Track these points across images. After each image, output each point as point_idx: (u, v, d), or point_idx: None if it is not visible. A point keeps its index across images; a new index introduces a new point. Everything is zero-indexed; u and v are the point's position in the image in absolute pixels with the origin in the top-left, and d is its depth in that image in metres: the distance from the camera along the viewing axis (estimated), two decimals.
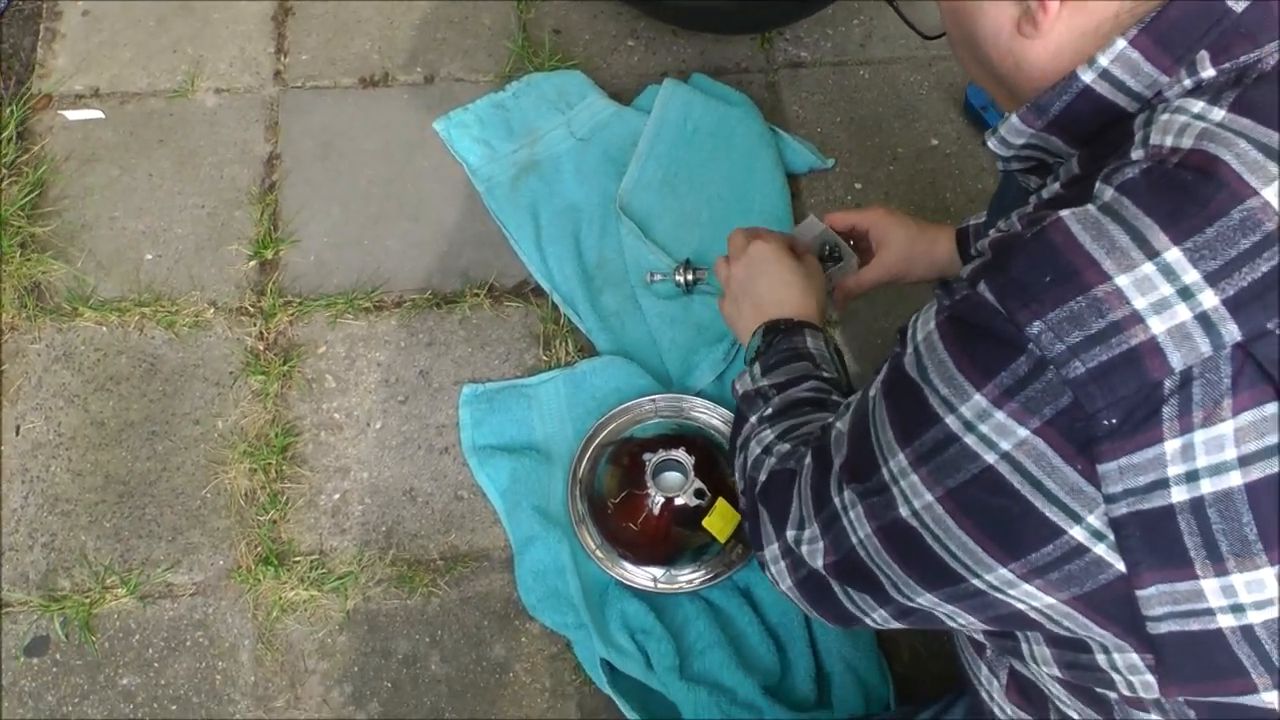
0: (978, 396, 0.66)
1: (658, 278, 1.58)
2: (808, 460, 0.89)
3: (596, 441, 1.46)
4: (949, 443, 0.69)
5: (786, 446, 0.96)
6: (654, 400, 1.48)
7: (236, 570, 1.39)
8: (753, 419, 1.04)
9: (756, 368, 1.10)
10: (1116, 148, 0.68)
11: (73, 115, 1.70)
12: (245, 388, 1.51)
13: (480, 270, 1.62)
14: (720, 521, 1.35)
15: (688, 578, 1.37)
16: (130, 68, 1.75)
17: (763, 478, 0.96)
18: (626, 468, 1.40)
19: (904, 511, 0.74)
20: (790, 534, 0.89)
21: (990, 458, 0.66)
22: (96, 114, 1.70)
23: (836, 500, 0.82)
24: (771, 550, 0.92)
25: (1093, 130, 0.72)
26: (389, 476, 1.47)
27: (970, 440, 0.67)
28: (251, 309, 1.56)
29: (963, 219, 1.31)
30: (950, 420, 0.68)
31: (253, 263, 1.60)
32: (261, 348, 1.54)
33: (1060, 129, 0.74)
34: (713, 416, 1.47)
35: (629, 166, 1.67)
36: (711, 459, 1.40)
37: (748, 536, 1.19)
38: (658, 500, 1.34)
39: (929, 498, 0.71)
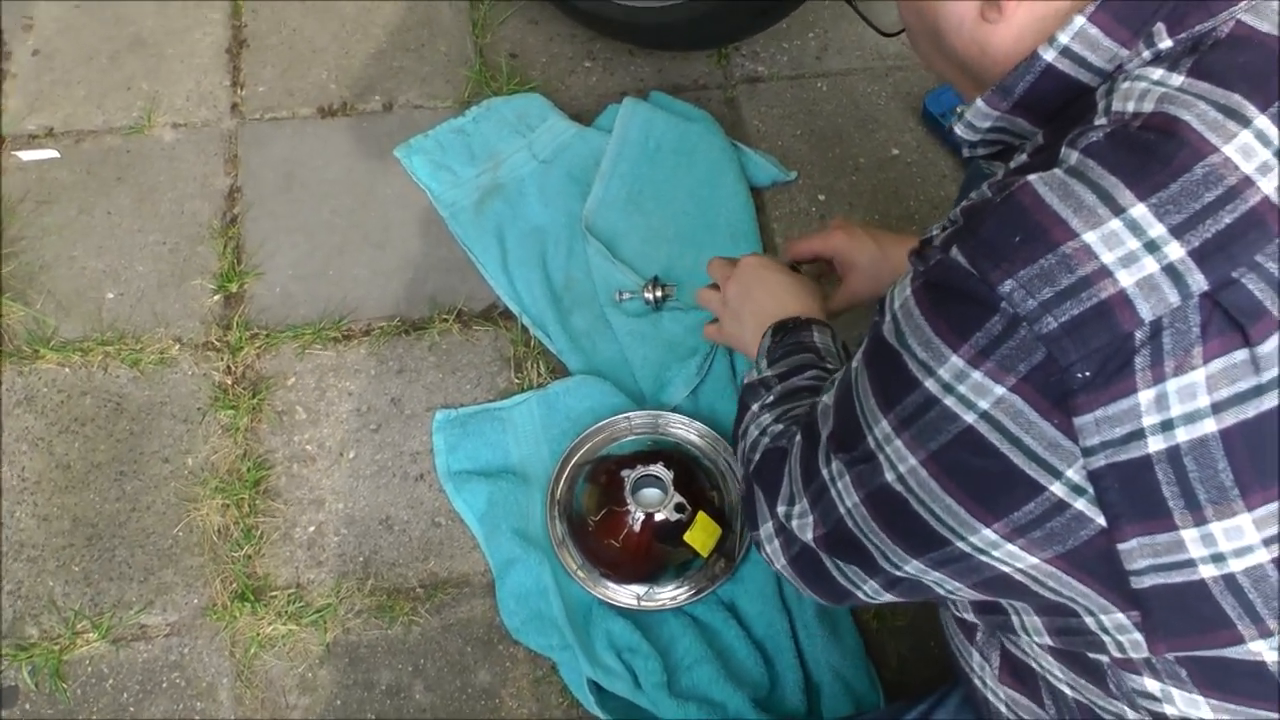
0: (954, 358, 0.67)
1: (626, 296, 1.58)
2: (798, 437, 0.90)
3: (573, 461, 1.45)
4: (929, 405, 0.70)
5: (780, 427, 0.98)
6: (629, 418, 1.48)
7: (211, 608, 1.37)
8: (754, 407, 1.06)
9: (763, 361, 1.12)
10: (1080, 119, 0.71)
11: (26, 156, 1.68)
12: (214, 423, 1.49)
13: (448, 295, 1.61)
14: (702, 535, 1.35)
15: (671, 594, 1.36)
16: (85, 106, 1.73)
17: (757, 457, 0.98)
18: (605, 485, 1.39)
19: (889, 477, 0.75)
20: (781, 509, 0.90)
21: (969, 417, 0.68)
22: (52, 154, 1.68)
23: (825, 472, 0.83)
24: (766, 529, 0.93)
25: (1056, 107, 0.74)
26: (364, 506, 1.45)
27: (949, 402, 0.69)
28: (218, 343, 1.54)
29: (926, 228, 1.32)
30: (929, 383, 0.69)
31: (217, 297, 1.58)
32: (229, 382, 1.52)
33: (1025, 109, 0.75)
34: (689, 431, 1.47)
35: (593, 186, 1.68)
36: (690, 473, 1.40)
37: (729, 549, 1.21)
38: (638, 516, 1.34)
39: (912, 461, 0.72)
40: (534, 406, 1.50)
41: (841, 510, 0.81)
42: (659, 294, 1.56)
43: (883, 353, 0.74)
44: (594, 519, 1.37)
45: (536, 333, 1.58)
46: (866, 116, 1.80)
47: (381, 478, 1.47)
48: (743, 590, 1.37)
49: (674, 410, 1.49)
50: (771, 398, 1.04)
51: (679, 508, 1.35)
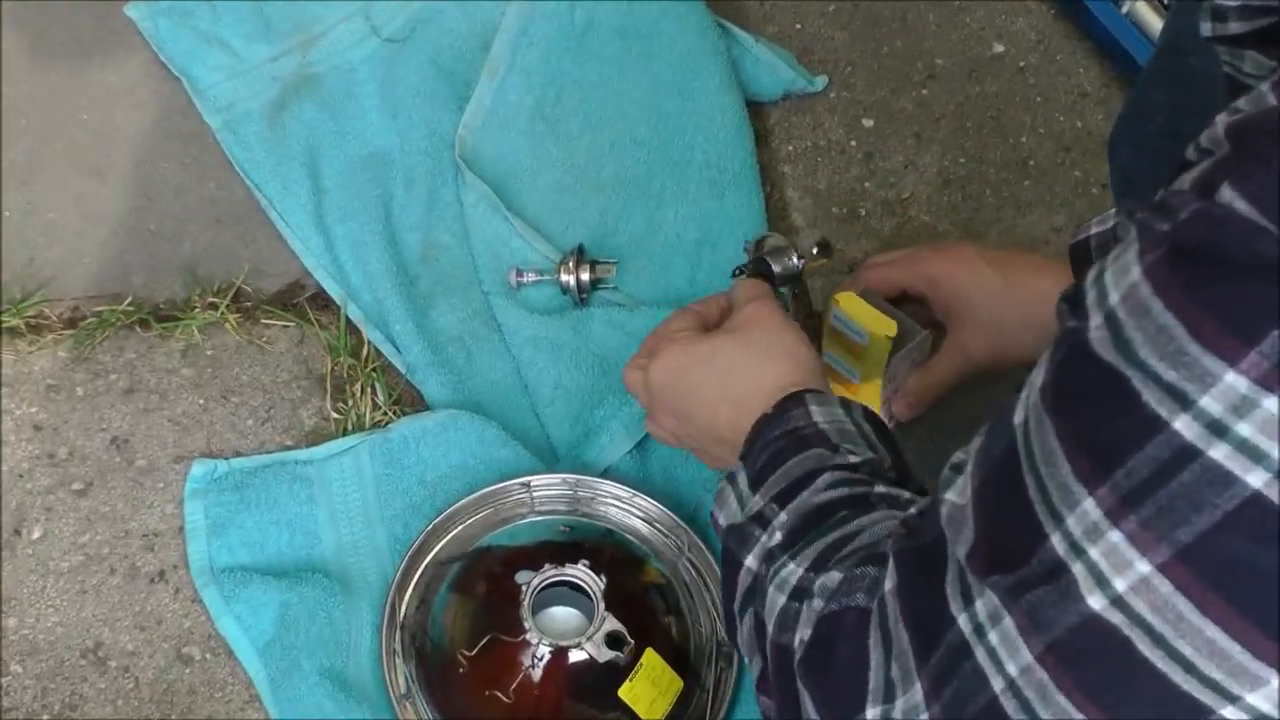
0: (1231, 376, 0.70)
1: (529, 278, 1.64)
2: (889, 580, 0.92)
3: (431, 556, 1.50)
4: (1181, 462, 0.72)
5: (838, 575, 1.00)
6: (528, 484, 1.54)
7: None
8: (751, 560, 1.09)
9: (742, 480, 1.16)
10: None
11: None
12: None
13: (218, 264, 1.66)
14: (648, 690, 1.40)
15: None
16: None
17: (806, 637, 0.99)
18: (486, 598, 1.44)
19: (1097, 604, 0.76)
20: (871, 717, 0.92)
21: (1256, 480, 0.70)
22: None
23: (963, 620, 0.84)
24: None
25: None
26: (59, 624, 1.48)
27: (1219, 454, 0.71)
28: None
29: (1080, 225, 1.38)
30: (1180, 424, 0.71)
31: None
32: None
33: None
34: (630, 511, 1.54)
35: (476, 87, 1.74)
36: (631, 583, 1.46)
37: (694, 717, 1.25)
38: (542, 653, 1.40)
39: (1145, 567, 0.74)
40: (364, 460, 1.56)
41: (997, 686, 0.83)
42: (585, 276, 1.62)
43: (1088, 380, 0.76)
44: (465, 655, 1.42)
45: (372, 333, 1.63)
46: None
47: (91, 575, 1.50)
48: None
49: (605, 474, 1.56)
50: (780, 536, 1.08)
51: (613, 640, 1.40)
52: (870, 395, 1.46)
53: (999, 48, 1.88)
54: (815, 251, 1.43)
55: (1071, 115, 1.84)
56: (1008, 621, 0.81)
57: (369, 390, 1.61)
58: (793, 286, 1.45)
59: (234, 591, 1.50)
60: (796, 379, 1.22)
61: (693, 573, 1.52)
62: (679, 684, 1.43)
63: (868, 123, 1.82)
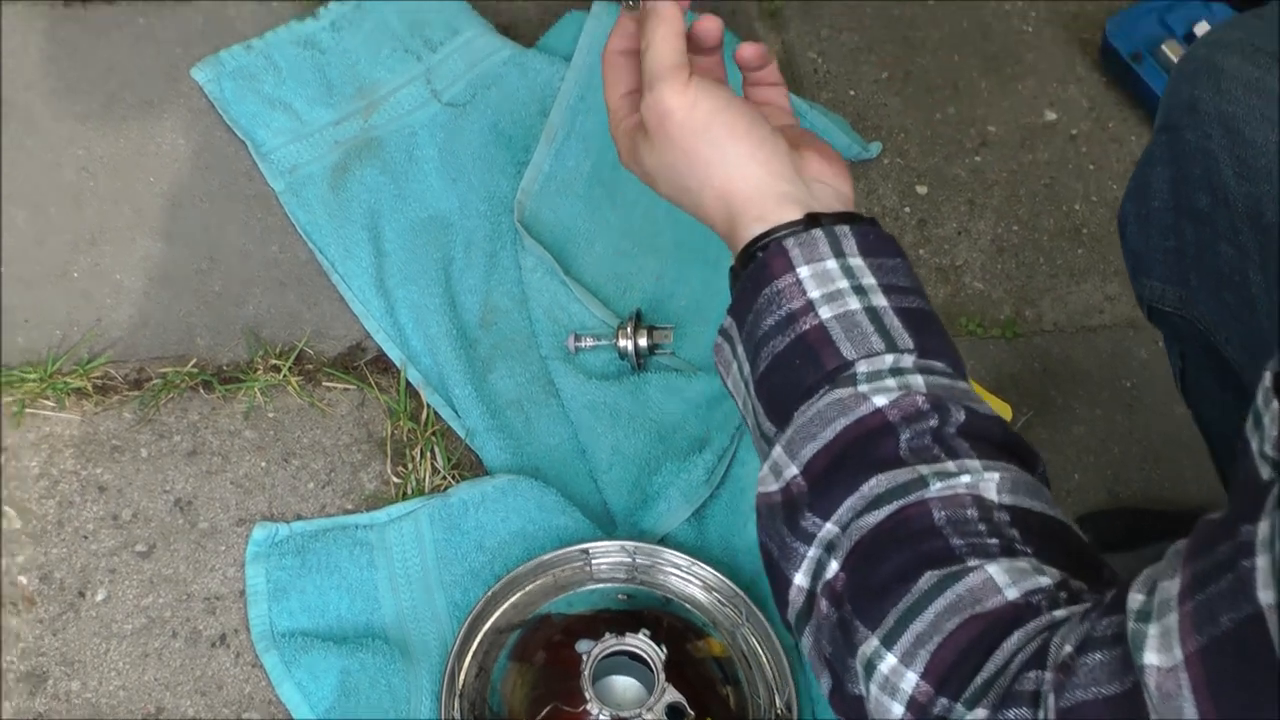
0: None
1: (587, 343, 1.64)
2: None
3: (489, 624, 1.50)
4: None
5: (982, 716, 0.85)
6: (587, 551, 1.53)
7: None
8: (800, 579, 0.98)
9: (740, 352, 1.03)
10: None
11: None
12: None
13: (281, 326, 1.66)
14: None
15: None
16: None
17: None
18: (546, 667, 1.43)
19: None
20: None
21: None
22: None
23: None
24: None
25: None
26: (121, 688, 1.48)
27: None
28: None
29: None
30: None
31: None
32: None
33: None
34: (688, 580, 1.53)
35: (535, 152, 1.73)
36: (691, 652, 1.45)
37: None
38: None
39: None
40: (423, 526, 1.55)
41: None
42: (643, 342, 1.62)
43: None
44: None
45: (432, 397, 1.63)
46: (1004, 52, 1.88)
47: (152, 638, 1.50)
48: None
49: (663, 542, 1.55)
50: (842, 574, 0.94)
51: (673, 712, 1.39)
52: None
53: (1051, 115, 1.87)
54: None
55: (1124, 183, 1.76)
56: None
57: (429, 454, 1.61)
58: None
59: (295, 657, 1.49)
60: (744, 197, 1.05)
61: (751, 643, 1.50)
62: None
63: (921, 189, 1.81)
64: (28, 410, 1.60)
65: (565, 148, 1.76)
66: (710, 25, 1.12)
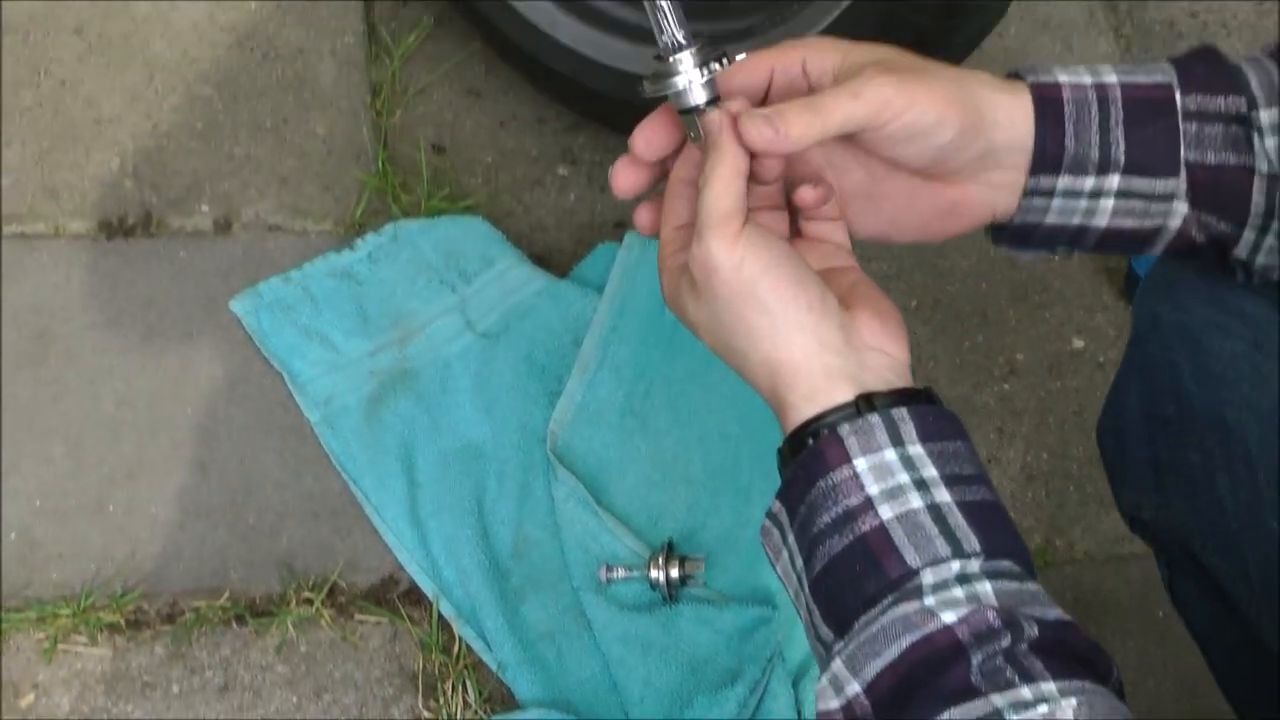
0: None
1: (619, 574, 1.63)
2: None
3: None
4: None
5: None
6: None
7: None
8: None
9: (791, 541, 0.98)
10: None
11: None
12: None
13: (314, 558, 1.66)
14: None
15: None
16: None
17: None
18: None
19: None
20: None
21: None
22: None
23: None
24: None
25: None
26: None
27: None
28: None
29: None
30: None
31: None
32: None
33: None
34: None
35: (568, 382, 1.75)
36: None
37: None
38: None
39: None
40: None
41: None
42: (674, 573, 1.61)
43: None
44: None
45: (464, 629, 1.62)
46: (1031, 280, 1.90)
47: None
48: None
49: None
50: None
51: None
52: None
53: (1079, 343, 1.88)
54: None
55: None
56: None
57: (460, 688, 1.60)
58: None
59: None
60: (791, 369, 0.99)
61: None
62: None
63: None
64: (60, 646, 1.59)
65: (598, 378, 1.77)
66: (771, 163, 1.03)
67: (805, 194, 1.05)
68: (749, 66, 1.05)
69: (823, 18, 1.68)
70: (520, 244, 1.88)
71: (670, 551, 1.64)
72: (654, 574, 1.62)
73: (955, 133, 1.01)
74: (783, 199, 1.08)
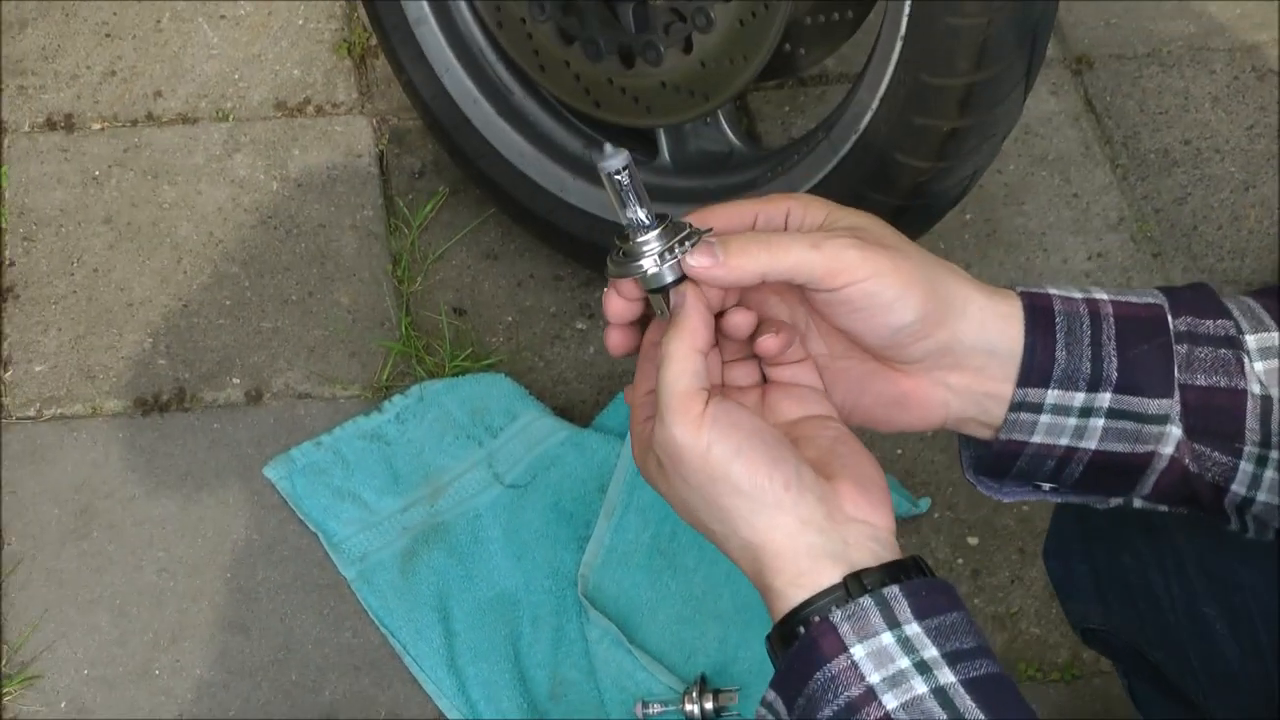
0: None
1: (655, 709, 1.65)
2: None
3: None
4: None
5: None
6: None
7: None
8: None
9: None
10: None
11: None
12: None
13: (356, 711, 1.68)
14: None
15: None
16: None
17: None
18: None
19: None
20: None
21: None
22: None
23: None
24: None
25: None
26: None
27: None
28: None
29: None
30: None
31: None
32: None
33: None
34: None
35: (595, 527, 1.79)
36: None
37: None
38: None
39: None
40: None
41: None
42: (709, 705, 1.63)
43: None
44: None
45: None
46: None
47: None
48: None
49: None
50: None
51: None
52: None
53: None
54: None
55: None
56: None
57: None
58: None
59: None
60: (773, 553, 0.94)
61: None
62: None
63: (973, 540, 1.84)
64: None
65: (624, 521, 1.80)
66: (740, 320, 1.00)
67: (767, 343, 1.00)
68: (734, 210, 1.02)
69: (821, 167, 1.73)
70: (543, 397, 1.92)
71: (704, 685, 1.66)
72: (689, 708, 1.64)
73: (915, 316, 0.97)
74: (749, 348, 1.03)
